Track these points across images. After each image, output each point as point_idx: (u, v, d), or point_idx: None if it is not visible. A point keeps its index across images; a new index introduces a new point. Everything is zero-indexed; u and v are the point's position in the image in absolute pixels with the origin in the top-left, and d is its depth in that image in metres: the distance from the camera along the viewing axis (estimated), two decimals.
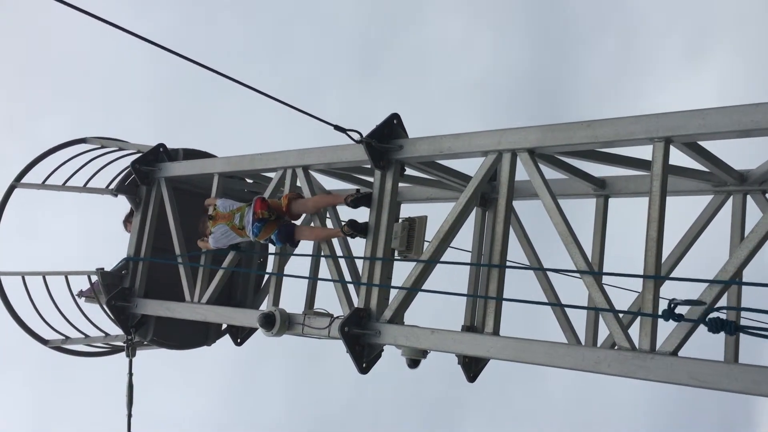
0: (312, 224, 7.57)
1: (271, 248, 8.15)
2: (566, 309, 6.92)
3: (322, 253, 7.35)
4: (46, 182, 9.31)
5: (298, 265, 8.15)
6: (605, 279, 5.66)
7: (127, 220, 9.09)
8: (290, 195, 7.42)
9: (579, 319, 6.97)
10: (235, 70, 5.83)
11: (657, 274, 5.04)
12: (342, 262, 7.26)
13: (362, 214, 6.93)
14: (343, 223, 6.94)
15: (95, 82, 27.58)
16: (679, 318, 4.71)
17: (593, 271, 5.42)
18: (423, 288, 6.30)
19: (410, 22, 30.84)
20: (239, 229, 7.54)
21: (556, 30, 31.34)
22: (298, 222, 7.59)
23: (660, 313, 4.79)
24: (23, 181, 9.41)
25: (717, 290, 4.78)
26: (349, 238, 7.16)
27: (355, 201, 6.89)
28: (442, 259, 6.34)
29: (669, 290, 5.25)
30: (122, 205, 9.12)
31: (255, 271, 8.63)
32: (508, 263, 6.09)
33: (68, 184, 9.20)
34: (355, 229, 6.73)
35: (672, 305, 4.70)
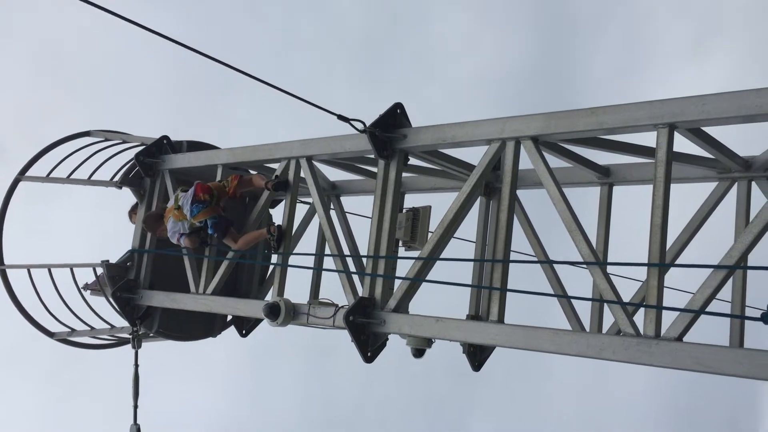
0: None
1: None
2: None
3: (326, 251, 7.36)
4: (51, 175, 9.33)
5: (302, 255, 8.15)
6: (610, 267, 5.64)
7: (133, 212, 9.10)
8: (240, 178, 7.84)
9: (584, 306, 6.96)
10: (239, 64, 5.84)
11: (662, 260, 5.02)
12: (346, 250, 7.26)
13: None
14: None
15: (102, 77, 27.63)
16: None
17: (598, 262, 5.39)
18: (427, 279, 6.30)
19: (415, 18, 30.76)
20: (176, 210, 7.83)
21: (561, 23, 31.25)
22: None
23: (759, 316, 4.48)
24: (28, 174, 9.44)
25: (722, 276, 4.77)
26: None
27: (276, 185, 7.53)
28: (446, 249, 6.34)
29: (674, 276, 5.26)
30: (127, 197, 9.16)
31: (260, 262, 8.61)
32: (512, 256, 6.06)
33: (73, 176, 9.22)
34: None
35: None
